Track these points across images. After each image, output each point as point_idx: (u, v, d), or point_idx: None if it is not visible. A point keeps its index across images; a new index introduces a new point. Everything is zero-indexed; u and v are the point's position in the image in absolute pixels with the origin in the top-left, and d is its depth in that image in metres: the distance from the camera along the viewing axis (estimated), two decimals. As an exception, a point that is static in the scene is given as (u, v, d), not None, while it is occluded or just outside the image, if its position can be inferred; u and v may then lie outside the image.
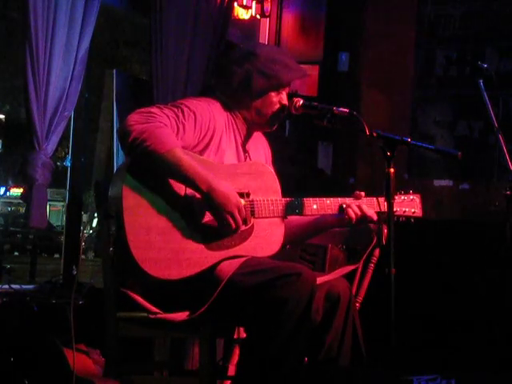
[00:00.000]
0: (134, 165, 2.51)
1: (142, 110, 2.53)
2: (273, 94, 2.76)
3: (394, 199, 2.71)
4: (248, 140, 2.83)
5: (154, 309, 2.54)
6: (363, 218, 2.74)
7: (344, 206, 2.75)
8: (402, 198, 2.84)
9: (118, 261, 2.57)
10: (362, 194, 2.79)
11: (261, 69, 2.73)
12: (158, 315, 2.53)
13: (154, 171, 2.50)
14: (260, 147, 2.92)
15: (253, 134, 2.85)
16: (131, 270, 2.49)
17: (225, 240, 2.57)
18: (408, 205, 2.85)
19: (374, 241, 2.86)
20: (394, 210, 2.69)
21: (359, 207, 2.74)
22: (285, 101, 2.78)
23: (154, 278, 2.46)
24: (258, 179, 2.69)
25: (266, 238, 2.65)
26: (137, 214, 2.47)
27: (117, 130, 2.55)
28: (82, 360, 3.18)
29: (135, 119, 2.48)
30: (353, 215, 2.73)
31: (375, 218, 2.76)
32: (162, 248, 2.48)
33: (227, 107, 2.77)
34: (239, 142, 2.78)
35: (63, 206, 15.84)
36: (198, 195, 2.53)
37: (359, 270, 3.00)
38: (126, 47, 13.77)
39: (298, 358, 2.46)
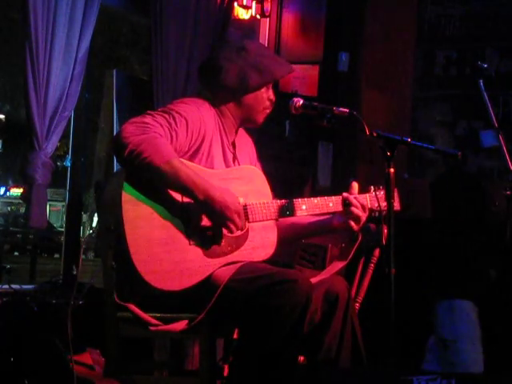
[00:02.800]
0: (131, 176, 2.50)
1: (136, 120, 2.51)
2: (263, 89, 2.76)
3: (371, 195, 2.72)
4: (234, 137, 2.83)
5: (153, 321, 2.54)
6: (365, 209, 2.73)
7: (346, 200, 2.73)
8: (382, 193, 2.80)
9: (120, 273, 2.56)
10: (356, 184, 2.78)
11: (253, 63, 2.72)
12: (159, 327, 2.53)
13: (151, 182, 2.50)
14: (244, 145, 2.90)
15: (238, 131, 2.85)
16: (134, 281, 2.49)
17: (222, 247, 2.58)
18: (382, 198, 2.83)
19: (360, 238, 2.84)
20: (372, 205, 2.73)
21: (357, 199, 2.73)
22: (272, 96, 2.79)
23: (158, 289, 2.46)
24: (249, 183, 2.69)
25: (260, 241, 2.66)
26: (137, 227, 2.46)
27: (111, 141, 2.55)
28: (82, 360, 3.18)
29: (130, 131, 2.45)
30: (356, 202, 2.71)
31: (376, 205, 2.75)
32: (164, 259, 2.48)
33: (215, 107, 2.75)
34: (225, 142, 2.77)
35: (63, 206, 15.82)
36: (194, 203, 2.54)
37: (359, 270, 3.00)
38: (126, 47, 13.76)
39: (289, 364, 2.46)
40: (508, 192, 3.05)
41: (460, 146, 4.56)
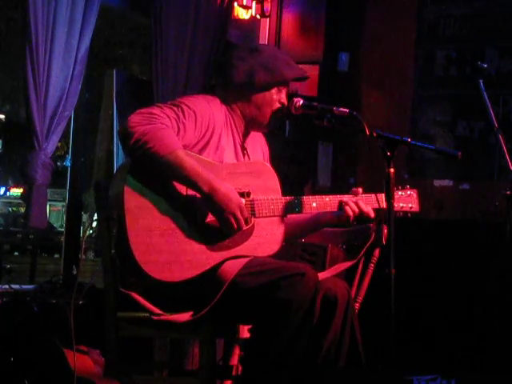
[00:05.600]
0: (135, 166, 2.51)
1: (143, 110, 2.53)
2: (273, 91, 2.77)
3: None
4: (246, 138, 2.83)
5: (156, 310, 2.54)
6: (360, 215, 2.75)
7: (342, 203, 2.76)
8: (400, 193, 2.84)
9: (120, 262, 2.57)
10: (360, 190, 2.79)
11: (264, 64, 2.73)
12: (162, 317, 2.53)
13: (155, 173, 2.50)
14: (258, 145, 2.92)
15: (250, 132, 2.85)
16: (133, 271, 2.49)
17: (226, 240, 2.58)
18: (405, 200, 2.86)
19: (372, 237, 2.86)
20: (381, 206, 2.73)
21: (356, 204, 2.75)
22: (284, 100, 2.79)
23: (157, 280, 2.46)
24: (258, 178, 2.69)
25: (266, 237, 2.66)
26: (138, 216, 2.47)
27: (117, 131, 2.56)
28: (82, 360, 3.18)
29: (136, 120, 2.47)
30: (350, 212, 2.73)
31: (372, 215, 2.77)
32: (164, 250, 2.48)
33: (226, 103, 2.77)
34: (237, 139, 2.78)
35: (63, 206, 15.84)
36: (199, 196, 2.54)
37: (359, 270, 3.00)
38: (126, 47, 13.77)
39: (301, 358, 2.47)
40: (508, 192, 3.04)
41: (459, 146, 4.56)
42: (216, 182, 2.51)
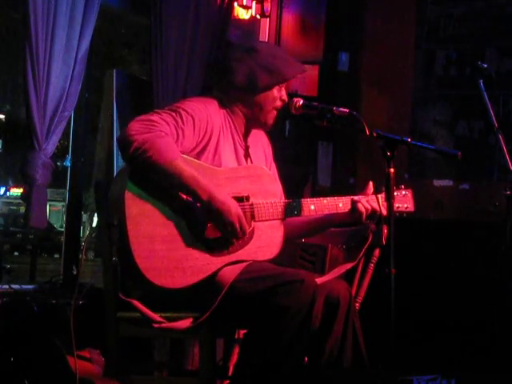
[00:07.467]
0: (135, 173, 2.50)
1: (142, 117, 2.51)
2: (275, 89, 2.76)
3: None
4: (247, 137, 2.83)
5: (157, 317, 2.54)
6: (373, 213, 2.75)
7: (354, 201, 2.76)
8: (395, 193, 2.82)
9: (121, 269, 2.56)
10: (371, 184, 2.81)
11: (263, 64, 2.72)
12: (162, 324, 2.53)
13: (155, 180, 2.50)
14: (260, 144, 2.91)
15: (251, 130, 2.85)
16: (134, 278, 2.49)
17: (225, 246, 2.58)
18: (400, 200, 2.86)
19: (370, 239, 2.86)
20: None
21: (369, 202, 2.75)
22: (285, 97, 2.79)
23: (159, 286, 2.46)
24: (256, 182, 2.69)
25: (266, 241, 2.66)
26: (140, 223, 2.47)
27: (117, 138, 2.54)
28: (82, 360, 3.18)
29: (136, 128, 2.46)
30: (363, 209, 2.73)
31: (384, 212, 2.76)
32: (166, 256, 2.48)
33: (226, 105, 2.76)
34: (237, 140, 2.77)
35: (63, 206, 15.83)
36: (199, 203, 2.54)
37: (359, 270, 3.00)
38: (126, 47, 13.77)
39: (296, 363, 2.47)
40: (508, 192, 3.04)
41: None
42: (215, 190, 2.51)
